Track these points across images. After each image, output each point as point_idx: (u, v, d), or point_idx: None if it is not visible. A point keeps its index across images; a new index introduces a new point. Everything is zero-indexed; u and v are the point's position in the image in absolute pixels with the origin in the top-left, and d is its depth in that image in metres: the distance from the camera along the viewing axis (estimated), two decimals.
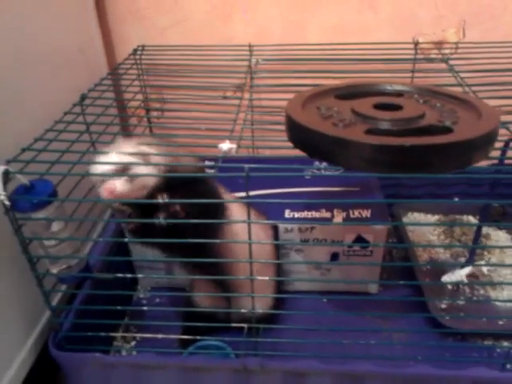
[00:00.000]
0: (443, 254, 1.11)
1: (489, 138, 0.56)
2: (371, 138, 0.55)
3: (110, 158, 0.64)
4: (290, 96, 0.69)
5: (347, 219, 0.93)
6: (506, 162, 0.75)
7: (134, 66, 1.06)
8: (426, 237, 1.15)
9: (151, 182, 0.66)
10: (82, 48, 1.00)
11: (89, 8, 1.04)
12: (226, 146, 0.62)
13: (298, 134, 0.60)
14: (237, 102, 0.81)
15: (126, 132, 1.15)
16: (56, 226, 0.65)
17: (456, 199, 1.23)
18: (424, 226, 1.18)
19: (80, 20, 1.02)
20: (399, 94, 0.71)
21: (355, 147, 0.54)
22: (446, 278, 0.94)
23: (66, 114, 0.77)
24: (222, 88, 1.05)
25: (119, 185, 0.64)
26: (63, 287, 0.76)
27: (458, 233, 1.16)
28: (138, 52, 1.08)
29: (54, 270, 0.69)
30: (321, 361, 0.71)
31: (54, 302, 0.81)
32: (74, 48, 0.98)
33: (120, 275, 0.74)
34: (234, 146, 0.62)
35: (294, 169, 0.76)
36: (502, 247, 1.11)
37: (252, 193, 0.70)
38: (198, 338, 0.74)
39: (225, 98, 1.14)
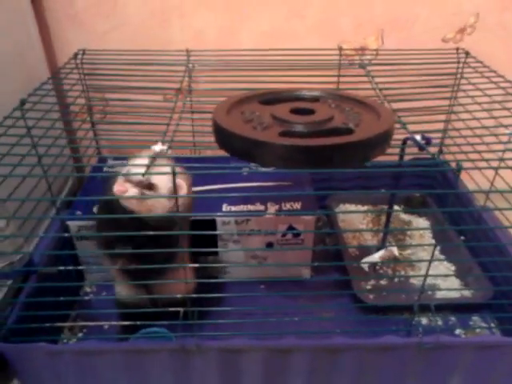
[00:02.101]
0: (371, 241, 1.22)
1: (384, 137, 0.66)
2: (284, 140, 0.63)
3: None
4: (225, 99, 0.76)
5: (279, 211, 1.01)
6: (406, 157, 0.86)
7: (75, 71, 1.10)
8: (356, 226, 1.26)
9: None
10: (21, 52, 1.02)
11: (25, 12, 1.06)
12: (158, 147, 0.68)
13: (221, 136, 0.67)
14: (172, 105, 0.87)
15: (70, 135, 1.19)
16: None
17: (383, 190, 1.35)
18: (354, 216, 1.29)
19: (16, 24, 1.02)
20: (316, 100, 0.80)
21: (270, 147, 0.62)
22: (364, 260, 1.05)
23: (5, 118, 0.80)
24: (162, 89, 1.11)
25: (131, 192, 0.70)
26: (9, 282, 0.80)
27: (384, 221, 1.27)
28: (79, 56, 1.12)
29: None
30: (254, 338, 0.79)
31: None
32: (12, 52, 0.99)
33: (62, 268, 0.78)
34: (165, 147, 0.68)
35: (232, 167, 0.83)
36: (407, 230, 1.24)
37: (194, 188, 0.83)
38: (139, 323, 0.80)
39: (165, 100, 1.21)
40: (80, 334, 0.97)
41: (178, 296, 0.75)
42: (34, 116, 0.84)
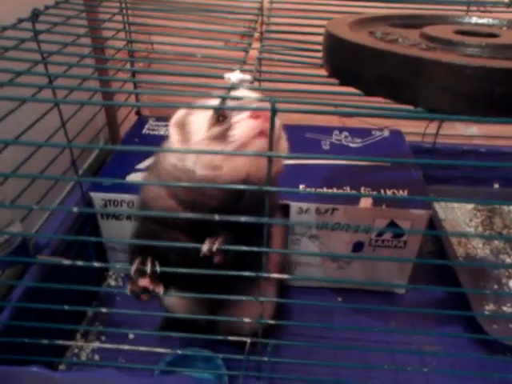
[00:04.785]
0: (482, 250, 0.91)
1: None
2: (478, 61, 0.34)
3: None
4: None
5: (378, 200, 0.73)
6: None
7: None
8: (461, 228, 0.96)
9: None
10: None
11: None
12: (235, 75, 0.41)
13: (346, 56, 0.39)
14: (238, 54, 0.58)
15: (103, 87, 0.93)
16: None
17: (496, 185, 1.03)
18: (458, 215, 0.99)
19: None
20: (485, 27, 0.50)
21: (448, 72, 0.33)
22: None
23: (4, 29, 0.54)
24: (225, 33, 0.83)
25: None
26: None
27: (499, 224, 0.96)
28: None
29: None
30: None
31: None
32: None
33: (80, 263, 0.50)
34: (248, 76, 0.41)
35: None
36: None
37: None
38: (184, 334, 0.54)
39: (228, 47, 0.92)
40: (96, 344, 0.72)
41: (247, 320, 0.47)
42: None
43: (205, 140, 0.44)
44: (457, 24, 0.50)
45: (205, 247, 0.43)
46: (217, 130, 0.44)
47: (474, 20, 0.52)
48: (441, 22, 0.50)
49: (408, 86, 0.34)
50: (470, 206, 1.02)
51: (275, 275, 0.45)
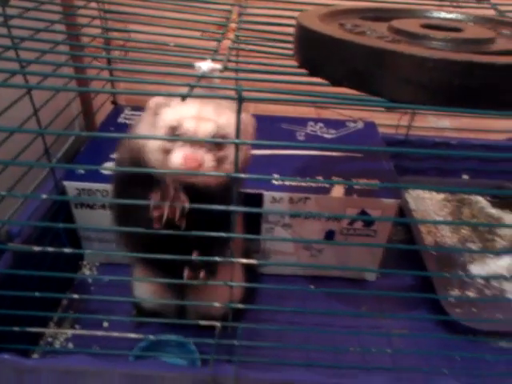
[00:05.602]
0: (450, 239, 0.94)
1: None
2: (439, 53, 0.36)
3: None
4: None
5: (349, 190, 0.74)
6: None
7: None
8: (431, 218, 0.99)
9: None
10: None
11: None
12: (205, 65, 0.41)
13: (314, 46, 0.40)
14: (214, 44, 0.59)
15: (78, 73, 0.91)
16: None
17: (465, 177, 1.07)
18: (429, 206, 1.02)
19: None
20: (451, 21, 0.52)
21: (410, 63, 0.35)
22: (475, 269, 0.78)
23: None
24: (202, 23, 0.83)
25: (208, 161, 0.45)
26: None
27: (467, 214, 1.00)
28: None
29: None
30: (310, 371, 0.54)
31: None
32: None
33: (51, 249, 0.50)
34: (218, 65, 0.42)
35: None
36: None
37: None
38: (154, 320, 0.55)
39: (204, 38, 0.91)
40: (69, 333, 0.72)
41: (217, 305, 0.48)
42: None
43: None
44: (425, 18, 0.51)
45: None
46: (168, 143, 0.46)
47: (443, 15, 0.53)
48: (410, 16, 0.52)
49: (372, 77, 0.36)
50: (440, 196, 1.05)
51: (244, 260, 0.46)
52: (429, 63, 0.34)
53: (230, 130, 0.46)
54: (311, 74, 0.41)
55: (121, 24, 0.94)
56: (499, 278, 0.78)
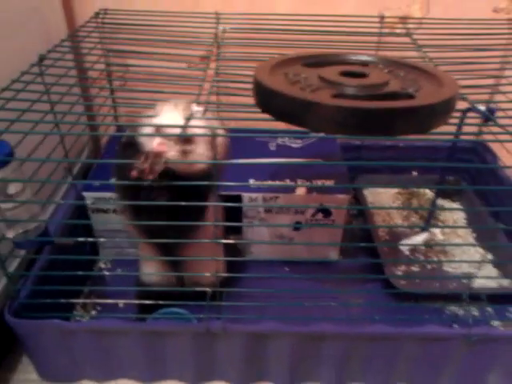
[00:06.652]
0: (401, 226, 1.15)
1: (449, 105, 0.58)
2: (339, 101, 0.55)
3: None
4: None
5: (310, 189, 0.94)
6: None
7: (96, 30, 1.02)
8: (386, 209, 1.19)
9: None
10: (38, 7, 0.94)
11: None
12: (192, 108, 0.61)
13: (266, 98, 0.59)
14: (201, 73, 0.79)
15: (87, 97, 1.11)
16: (13, 189, 0.63)
17: (415, 173, 1.27)
18: (384, 199, 1.22)
19: None
20: (364, 64, 0.72)
21: (323, 110, 0.54)
22: (404, 242, 0.98)
23: (23, 73, 0.73)
24: (187, 56, 1.03)
25: (173, 150, 0.62)
26: (22, 253, 0.74)
27: (416, 204, 1.20)
28: (100, 15, 1.04)
29: (10, 235, 0.67)
30: (282, 323, 0.73)
31: (11, 268, 0.79)
32: (29, 7, 0.92)
33: (81, 239, 0.72)
34: (201, 108, 0.61)
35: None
36: (450, 209, 1.19)
37: None
38: (161, 302, 0.74)
39: (190, 68, 1.11)
40: (93, 312, 0.91)
41: (207, 274, 0.68)
42: (53, 73, 0.77)
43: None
44: (346, 64, 0.70)
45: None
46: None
47: (361, 58, 0.73)
48: (336, 61, 0.71)
49: (300, 117, 0.55)
50: (394, 190, 1.25)
51: (227, 241, 0.66)
52: (335, 109, 0.54)
53: (198, 131, 0.64)
54: (263, 112, 0.60)
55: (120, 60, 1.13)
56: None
